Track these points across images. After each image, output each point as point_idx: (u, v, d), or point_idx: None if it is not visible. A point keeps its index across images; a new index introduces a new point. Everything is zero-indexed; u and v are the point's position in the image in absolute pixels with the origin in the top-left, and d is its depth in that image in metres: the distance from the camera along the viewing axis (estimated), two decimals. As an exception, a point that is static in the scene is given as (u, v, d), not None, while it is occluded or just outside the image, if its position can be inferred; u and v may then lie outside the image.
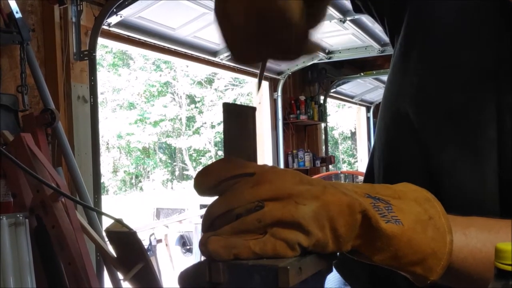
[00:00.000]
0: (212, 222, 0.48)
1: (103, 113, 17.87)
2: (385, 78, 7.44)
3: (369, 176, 0.78)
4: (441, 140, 0.64)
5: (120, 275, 2.51)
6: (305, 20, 0.50)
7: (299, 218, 0.46)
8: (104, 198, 3.45)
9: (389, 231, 0.47)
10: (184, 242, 7.82)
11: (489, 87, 0.60)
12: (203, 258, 0.48)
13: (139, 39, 3.98)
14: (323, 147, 7.44)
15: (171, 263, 6.70)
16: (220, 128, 17.97)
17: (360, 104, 9.07)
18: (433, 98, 0.65)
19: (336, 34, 5.17)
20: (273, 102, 6.07)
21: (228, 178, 0.48)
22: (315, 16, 0.52)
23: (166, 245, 6.73)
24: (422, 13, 0.68)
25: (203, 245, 0.47)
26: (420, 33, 0.68)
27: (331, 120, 18.79)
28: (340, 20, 4.59)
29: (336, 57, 5.87)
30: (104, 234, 2.58)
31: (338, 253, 0.50)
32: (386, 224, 0.48)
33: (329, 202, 0.47)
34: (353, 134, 19.68)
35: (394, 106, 0.71)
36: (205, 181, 0.49)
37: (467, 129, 0.62)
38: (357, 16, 4.61)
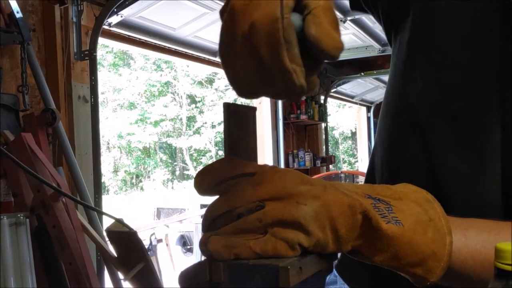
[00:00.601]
0: (212, 221, 0.48)
1: (103, 113, 17.87)
2: (385, 78, 7.44)
3: (371, 176, 0.78)
4: (444, 142, 0.64)
5: (120, 275, 2.51)
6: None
7: (300, 218, 0.46)
8: (104, 198, 3.45)
9: (390, 232, 0.48)
10: (184, 242, 7.81)
11: (492, 90, 0.60)
12: (203, 258, 0.48)
13: (140, 39, 3.98)
14: (324, 147, 7.44)
15: (172, 263, 6.69)
16: (221, 128, 17.95)
17: (360, 104, 9.06)
18: (437, 101, 0.65)
19: (336, 34, 5.16)
20: (274, 102, 6.06)
21: (229, 178, 0.48)
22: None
23: (167, 245, 6.73)
24: (426, 16, 0.68)
25: (203, 244, 0.47)
26: (424, 36, 0.68)
27: (332, 120, 18.80)
28: (341, 20, 4.59)
29: (336, 57, 5.86)
30: (104, 234, 2.58)
31: (338, 254, 0.50)
32: (387, 225, 0.48)
33: (330, 202, 0.47)
34: (354, 134, 19.67)
35: (397, 107, 0.71)
36: (205, 181, 0.49)
37: (471, 131, 0.62)
38: (357, 16, 4.61)
